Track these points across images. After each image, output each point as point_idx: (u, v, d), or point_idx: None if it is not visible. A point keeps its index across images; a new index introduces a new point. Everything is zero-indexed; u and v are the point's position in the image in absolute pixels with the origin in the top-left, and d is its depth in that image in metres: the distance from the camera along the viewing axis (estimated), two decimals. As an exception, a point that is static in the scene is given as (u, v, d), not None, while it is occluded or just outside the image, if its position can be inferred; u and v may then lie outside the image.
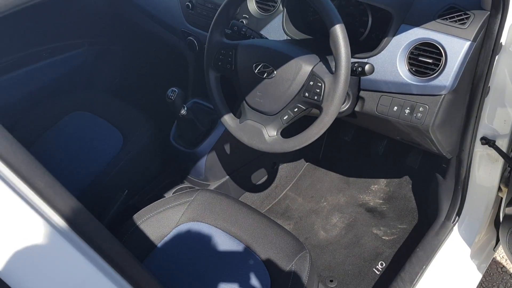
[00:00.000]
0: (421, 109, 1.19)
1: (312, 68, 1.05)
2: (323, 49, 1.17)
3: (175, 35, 1.74)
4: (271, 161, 1.92)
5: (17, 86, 1.86)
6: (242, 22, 1.43)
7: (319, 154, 2.05)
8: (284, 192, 1.95)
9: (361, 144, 1.98)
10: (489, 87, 1.24)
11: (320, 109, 1.04)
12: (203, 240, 1.29)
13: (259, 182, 1.92)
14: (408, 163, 1.85)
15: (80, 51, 2.09)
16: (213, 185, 1.71)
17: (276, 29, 1.39)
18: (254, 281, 1.16)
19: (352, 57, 1.23)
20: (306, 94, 1.06)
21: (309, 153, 2.05)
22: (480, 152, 1.40)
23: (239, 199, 1.84)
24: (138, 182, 1.67)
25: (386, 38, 1.18)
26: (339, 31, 0.98)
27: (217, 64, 1.22)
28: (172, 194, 1.71)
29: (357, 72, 1.06)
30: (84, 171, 1.57)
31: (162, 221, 1.32)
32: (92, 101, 1.80)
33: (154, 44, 2.09)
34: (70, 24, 2.01)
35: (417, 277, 1.43)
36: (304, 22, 1.41)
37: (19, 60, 1.86)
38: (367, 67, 1.04)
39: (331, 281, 1.56)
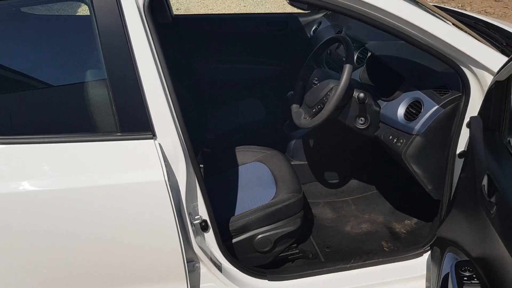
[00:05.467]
0: (401, 140, 1.83)
1: (332, 86, 1.87)
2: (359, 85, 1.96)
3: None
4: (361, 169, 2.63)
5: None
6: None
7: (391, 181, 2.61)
8: (343, 199, 2.62)
9: None
10: None
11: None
12: (257, 170, 2.21)
13: (332, 181, 2.66)
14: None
15: (272, 68, 3.25)
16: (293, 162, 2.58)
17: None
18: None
19: (379, 99, 1.97)
20: (324, 98, 1.88)
21: (381, 177, 2.64)
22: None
23: (308, 183, 2.63)
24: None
25: (397, 91, 1.89)
26: (347, 68, 1.78)
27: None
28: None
29: (357, 97, 1.83)
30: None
31: (248, 155, 2.29)
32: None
33: None
34: (281, 50, 3.21)
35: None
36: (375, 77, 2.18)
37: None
38: (361, 94, 1.81)
39: (327, 247, 2.21)
